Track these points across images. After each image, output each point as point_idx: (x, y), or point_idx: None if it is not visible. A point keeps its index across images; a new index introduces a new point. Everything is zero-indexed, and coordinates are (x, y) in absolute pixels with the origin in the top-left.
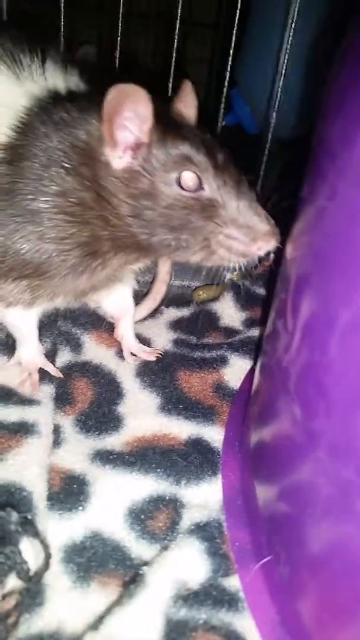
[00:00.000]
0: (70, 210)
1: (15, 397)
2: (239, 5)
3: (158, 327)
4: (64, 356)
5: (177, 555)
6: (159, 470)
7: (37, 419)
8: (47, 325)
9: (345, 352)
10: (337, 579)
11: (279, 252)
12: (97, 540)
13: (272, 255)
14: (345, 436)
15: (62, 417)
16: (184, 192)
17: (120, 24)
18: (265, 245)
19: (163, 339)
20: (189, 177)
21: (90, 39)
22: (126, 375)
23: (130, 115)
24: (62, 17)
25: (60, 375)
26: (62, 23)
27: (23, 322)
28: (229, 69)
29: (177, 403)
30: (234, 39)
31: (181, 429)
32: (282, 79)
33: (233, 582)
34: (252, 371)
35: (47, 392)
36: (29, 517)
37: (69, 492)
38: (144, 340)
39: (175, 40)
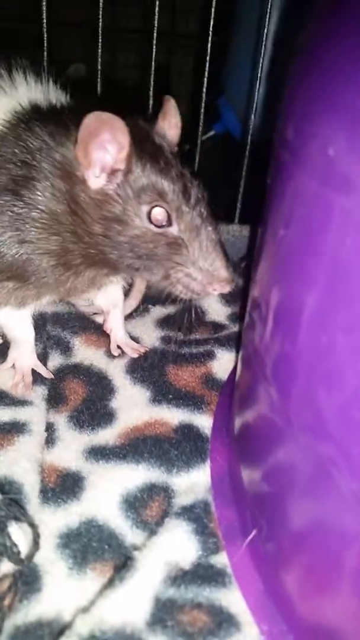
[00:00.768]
0: (41, 219)
1: (7, 398)
2: (212, 14)
3: (145, 325)
4: (55, 359)
5: (166, 537)
6: (151, 459)
7: (29, 418)
8: (37, 330)
9: (313, 338)
10: (318, 550)
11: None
12: (92, 527)
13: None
14: (318, 417)
15: (55, 415)
16: (152, 227)
17: (100, 38)
18: (220, 290)
19: (151, 336)
20: (159, 213)
21: (80, 56)
22: (116, 373)
23: (107, 139)
24: (46, 34)
25: (52, 376)
26: (46, 40)
27: (17, 324)
28: (206, 76)
29: (167, 394)
30: (209, 47)
31: (172, 415)
32: (259, 83)
33: (221, 559)
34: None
35: (39, 392)
36: (14, 498)
37: (65, 486)
38: (132, 339)
39: (154, 52)
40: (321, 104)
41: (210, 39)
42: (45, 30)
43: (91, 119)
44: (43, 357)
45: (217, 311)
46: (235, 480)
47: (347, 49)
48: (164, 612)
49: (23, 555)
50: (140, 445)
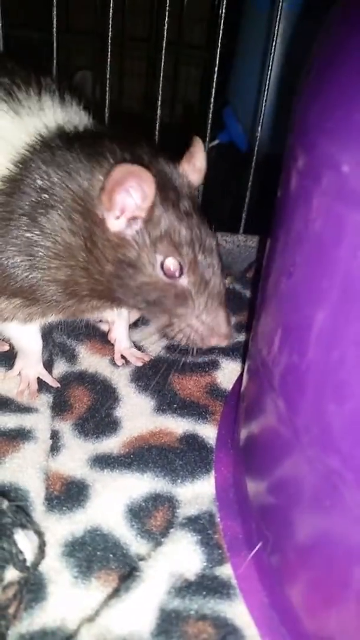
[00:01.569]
0: (55, 250)
1: (13, 405)
2: (221, 25)
3: (150, 334)
4: (60, 367)
5: (171, 548)
6: (155, 469)
7: (35, 425)
8: (43, 338)
9: (324, 351)
10: (323, 564)
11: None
12: (97, 536)
13: None
14: (326, 430)
15: (60, 422)
16: (164, 277)
17: (109, 47)
18: (218, 343)
19: (155, 345)
20: (172, 264)
21: (87, 64)
22: (121, 381)
23: (133, 187)
24: (56, 42)
25: (58, 384)
26: (55, 49)
27: (24, 335)
28: (214, 86)
29: (171, 404)
30: (217, 57)
31: (177, 425)
32: (266, 94)
33: (225, 571)
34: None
35: (44, 400)
36: (21, 505)
37: (70, 494)
38: (136, 348)
39: (162, 62)
40: (335, 121)
41: (218, 50)
42: (55, 37)
43: (120, 170)
44: (49, 365)
45: None
46: (240, 492)
47: None
48: (169, 623)
49: (29, 562)
50: (145, 455)
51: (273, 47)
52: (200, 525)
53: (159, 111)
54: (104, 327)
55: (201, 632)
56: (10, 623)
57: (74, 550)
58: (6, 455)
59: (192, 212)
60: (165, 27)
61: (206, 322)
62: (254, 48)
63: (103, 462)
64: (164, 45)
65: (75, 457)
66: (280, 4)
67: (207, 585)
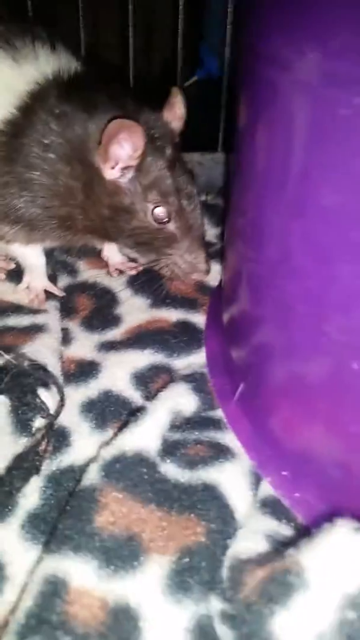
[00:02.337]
0: (56, 190)
1: (25, 309)
2: None
3: None
4: (63, 280)
5: (170, 393)
6: (154, 346)
7: (47, 321)
8: (46, 257)
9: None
10: (292, 397)
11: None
12: (109, 397)
13: None
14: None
15: (69, 322)
16: (153, 222)
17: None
18: (198, 278)
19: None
20: (161, 212)
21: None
22: (119, 287)
23: (125, 139)
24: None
25: (63, 293)
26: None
27: (28, 253)
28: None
29: (165, 300)
30: None
31: (170, 315)
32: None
33: (217, 413)
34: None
35: (53, 305)
36: (41, 364)
37: (83, 371)
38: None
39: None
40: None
41: None
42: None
43: (114, 125)
44: (53, 279)
45: (207, 232)
46: (225, 357)
47: None
48: (172, 447)
49: (51, 411)
50: (143, 337)
51: None
52: (194, 378)
53: (131, 56)
54: (98, 246)
55: (199, 452)
56: (42, 458)
57: (90, 407)
58: (24, 344)
59: (175, 160)
60: None
61: (188, 261)
62: None
63: (109, 346)
64: None
65: (85, 345)
66: None
67: (202, 422)
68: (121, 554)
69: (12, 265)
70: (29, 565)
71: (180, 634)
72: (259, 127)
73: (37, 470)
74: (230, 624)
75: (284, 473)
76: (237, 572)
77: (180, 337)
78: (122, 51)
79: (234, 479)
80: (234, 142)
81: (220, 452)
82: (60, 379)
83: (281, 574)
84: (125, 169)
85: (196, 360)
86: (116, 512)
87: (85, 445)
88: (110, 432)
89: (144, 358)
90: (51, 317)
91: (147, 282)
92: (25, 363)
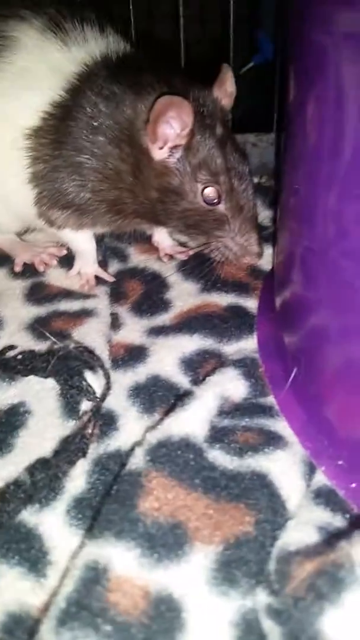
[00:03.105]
0: (105, 173)
1: (76, 294)
2: None
3: None
4: (114, 266)
5: (219, 378)
6: (204, 331)
7: (96, 306)
8: (96, 243)
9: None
10: (349, 384)
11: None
12: (157, 382)
13: None
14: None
15: (118, 307)
16: (204, 203)
17: None
18: (250, 261)
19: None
20: (211, 192)
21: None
22: (169, 272)
23: (173, 117)
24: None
25: (113, 279)
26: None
27: (78, 239)
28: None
29: (215, 284)
30: None
31: (221, 299)
32: None
33: (269, 400)
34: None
35: (103, 290)
36: (86, 347)
37: (132, 355)
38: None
39: None
40: None
41: None
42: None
43: (162, 102)
44: (103, 265)
45: (260, 214)
46: (278, 343)
47: None
48: (221, 433)
49: (98, 394)
50: (193, 322)
51: None
52: (244, 364)
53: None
54: (148, 231)
55: (248, 439)
56: (89, 441)
57: (139, 392)
58: (73, 328)
59: (226, 138)
60: None
61: (240, 243)
62: None
63: (157, 331)
64: None
65: (133, 330)
66: None
67: (252, 409)
68: (165, 541)
69: (64, 252)
70: (74, 550)
71: (224, 628)
72: (309, 99)
73: (83, 453)
74: (276, 619)
75: (340, 462)
76: (284, 565)
77: (231, 322)
78: (174, 42)
79: (285, 468)
80: (284, 119)
81: (271, 440)
82: (108, 363)
83: (331, 568)
84: (174, 148)
85: (247, 345)
86: (161, 498)
87: (133, 429)
88: (157, 418)
89: (193, 343)
90: (101, 302)
91: (198, 267)
92: (72, 346)
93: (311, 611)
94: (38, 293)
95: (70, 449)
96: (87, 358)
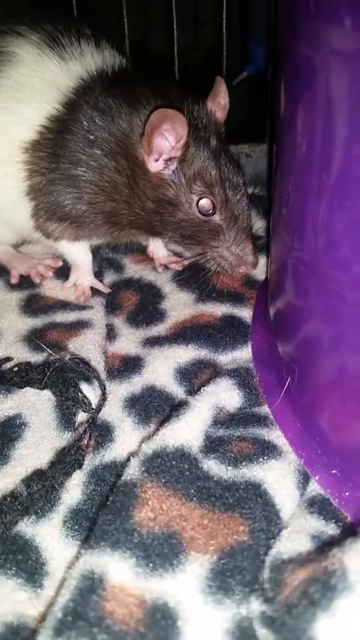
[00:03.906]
0: (102, 185)
1: (72, 305)
2: None
3: None
4: (109, 276)
5: (214, 388)
6: (199, 341)
7: (92, 317)
8: (92, 254)
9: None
10: (342, 393)
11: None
12: (152, 392)
13: None
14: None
15: (114, 318)
16: (199, 214)
17: None
18: (246, 271)
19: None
20: (206, 203)
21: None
22: (164, 282)
23: (168, 129)
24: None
25: (109, 290)
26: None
27: (74, 251)
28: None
29: (210, 294)
30: None
31: (216, 309)
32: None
33: (263, 409)
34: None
35: (99, 301)
36: (82, 359)
37: (127, 366)
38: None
39: None
40: None
41: None
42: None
43: (157, 115)
44: (99, 275)
45: (255, 225)
46: (272, 352)
47: None
48: (216, 443)
49: (94, 405)
50: (188, 332)
51: None
52: (239, 374)
53: (176, 46)
54: (143, 242)
55: (243, 449)
56: (85, 453)
57: (134, 403)
58: (69, 340)
59: (220, 150)
60: None
61: (235, 253)
62: None
63: (153, 342)
64: None
65: (129, 340)
66: None
67: (246, 418)
68: (160, 551)
69: (60, 263)
70: (70, 560)
71: (219, 636)
72: (299, 111)
73: (79, 464)
74: (270, 626)
75: (334, 472)
76: (277, 572)
77: (225, 332)
78: (168, 52)
79: (280, 477)
80: (275, 130)
81: (266, 450)
82: (104, 374)
83: (323, 575)
84: (169, 160)
85: (242, 355)
86: (156, 508)
87: (128, 440)
88: (152, 428)
89: (188, 353)
90: (96, 313)
91: (193, 277)
92: (67, 357)
93: (304, 618)
94: (34, 305)
95: (66, 461)
96: (82, 369)
